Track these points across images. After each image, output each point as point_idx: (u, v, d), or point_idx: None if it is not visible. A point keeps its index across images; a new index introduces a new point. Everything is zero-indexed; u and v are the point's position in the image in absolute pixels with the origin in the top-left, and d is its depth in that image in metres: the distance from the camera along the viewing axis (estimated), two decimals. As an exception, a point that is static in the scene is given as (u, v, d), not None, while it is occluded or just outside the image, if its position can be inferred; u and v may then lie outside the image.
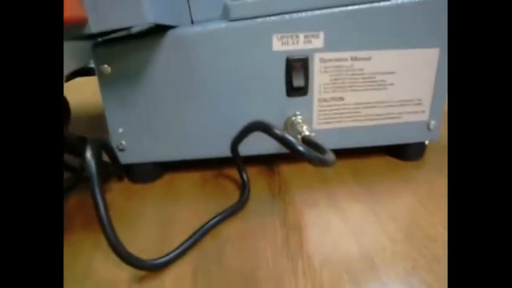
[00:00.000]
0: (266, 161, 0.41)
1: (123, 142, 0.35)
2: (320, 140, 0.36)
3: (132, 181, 0.38)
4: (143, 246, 0.28)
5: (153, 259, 0.25)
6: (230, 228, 0.30)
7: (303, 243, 0.28)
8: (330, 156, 0.25)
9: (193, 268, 0.26)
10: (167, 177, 0.39)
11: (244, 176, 0.35)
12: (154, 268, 0.25)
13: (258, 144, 0.35)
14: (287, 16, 0.32)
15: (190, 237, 0.28)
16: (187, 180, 0.38)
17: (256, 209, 0.33)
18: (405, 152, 0.39)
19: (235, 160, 0.34)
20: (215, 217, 0.30)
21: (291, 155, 0.29)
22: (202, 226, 0.29)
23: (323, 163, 0.24)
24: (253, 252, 0.27)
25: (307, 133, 0.32)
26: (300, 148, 0.22)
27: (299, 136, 0.33)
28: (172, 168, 0.40)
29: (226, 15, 0.32)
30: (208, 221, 0.29)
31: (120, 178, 0.39)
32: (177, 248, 0.27)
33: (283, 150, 0.25)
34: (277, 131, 0.23)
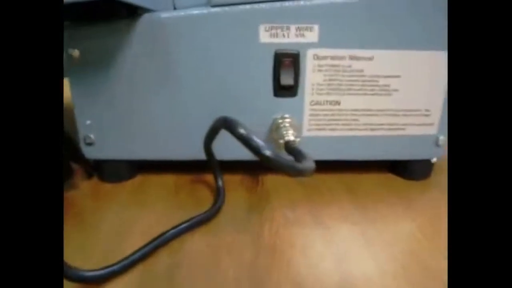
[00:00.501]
0: (251, 168, 0.36)
1: (91, 136, 0.32)
2: (308, 149, 0.32)
3: (101, 179, 0.35)
4: (94, 253, 0.25)
5: (91, 270, 0.21)
6: (193, 241, 0.26)
7: (274, 267, 0.23)
8: (307, 165, 0.21)
9: (137, 286, 0.22)
10: (139, 178, 0.35)
11: (219, 182, 0.30)
12: (88, 280, 0.21)
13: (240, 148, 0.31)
14: (277, 4, 0.28)
15: (142, 248, 0.24)
16: (160, 183, 0.34)
17: (227, 221, 0.28)
18: (409, 170, 0.35)
19: (210, 164, 0.30)
20: (177, 226, 0.26)
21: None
22: (159, 236, 0.25)
23: (294, 171, 0.19)
24: (212, 273, 0.23)
25: (291, 138, 0.28)
26: (267, 152, 0.18)
27: (281, 141, 0.28)
28: (146, 168, 0.36)
29: (209, 0, 0.29)
30: (166, 232, 0.25)
31: (90, 176, 0.36)
32: (123, 260, 0.23)
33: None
34: (241, 130, 0.19)
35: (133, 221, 0.28)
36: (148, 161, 0.33)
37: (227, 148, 0.28)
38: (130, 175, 0.35)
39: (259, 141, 0.18)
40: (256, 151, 0.18)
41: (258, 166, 0.35)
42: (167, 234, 0.26)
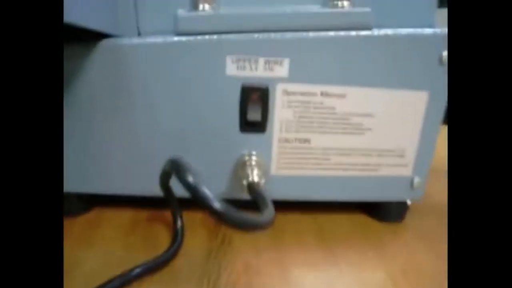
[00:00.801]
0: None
1: (41, 167, 0.29)
2: (277, 189, 0.30)
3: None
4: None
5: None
6: (141, 293, 0.23)
7: (227, 326, 0.21)
8: (264, 218, 0.19)
9: None
10: (93, 214, 0.32)
11: (178, 222, 0.28)
12: None
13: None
14: (245, 36, 0.26)
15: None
16: (115, 220, 0.31)
17: (182, 268, 0.26)
18: (382, 212, 0.33)
19: (168, 202, 0.28)
20: (125, 274, 0.23)
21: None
22: (103, 285, 0.22)
23: (248, 227, 0.17)
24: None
25: (255, 179, 0.26)
26: (216, 205, 0.16)
27: (244, 182, 0.26)
28: (102, 202, 0.33)
29: (175, 27, 0.27)
30: (112, 279, 0.23)
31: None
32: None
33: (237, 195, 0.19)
34: (189, 178, 0.17)
35: (76, 263, 0.26)
36: (102, 195, 0.31)
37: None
38: (81, 210, 0.32)
39: (208, 192, 0.16)
40: (204, 204, 0.16)
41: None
42: (113, 283, 0.23)
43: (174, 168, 0.18)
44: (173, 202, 0.28)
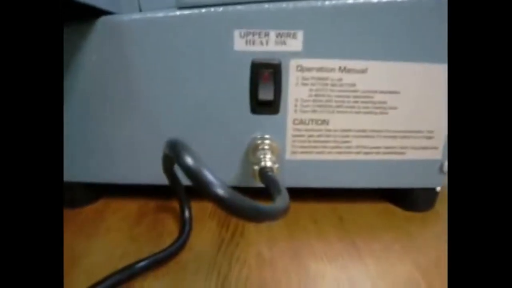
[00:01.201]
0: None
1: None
2: (292, 175, 0.27)
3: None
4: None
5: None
6: (147, 287, 0.21)
7: (237, 325, 0.19)
8: (277, 206, 0.16)
9: None
10: (100, 204, 0.31)
11: (186, 212, 0.26)
12: None
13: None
14: (254, 6, 0.24)
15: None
16: (121, 210, 0.30)
17: (191, 261, 0.24)
18: (410, 200, 0.30)
19: (175, 191, 0.26)
20: (129, 266, 0.22)
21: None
22: (104, 279, 0.20)
23: (258, 217, 0.15)
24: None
25: (268, 164, 0.23)
26: (219, 191, 0.14)
27: (256, 168, 0.24)
28: (110, 192, 0.32)
29: (177, 0, 0.25)
30: (114, 273, 0.21)
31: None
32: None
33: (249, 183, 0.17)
34: (187, 160, 0.14)
35: (80, 255, 0.24)
36: (109, 185, 0.29)
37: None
38: (88, 201, 0.30)
39: (211, 177, 0.14)
40: (205, 190, 0.14)
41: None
42: (115, 277, 0.21)
43: (172, 150, 0.15)
44: (179, 190, 0.26)
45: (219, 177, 0.14)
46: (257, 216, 0.15)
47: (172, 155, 0.15)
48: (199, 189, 0.14)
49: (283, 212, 0.16)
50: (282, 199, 0.17)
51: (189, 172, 0.14)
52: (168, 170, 0.23)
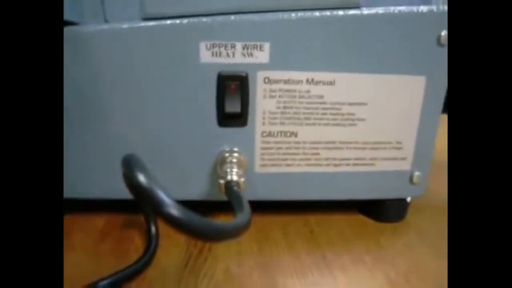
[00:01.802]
0: (194, 206, 0.31)
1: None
2: (261, 188, 0.27)
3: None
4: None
5: None
6: (106, 309, 0.21)
7: None
8: (236, 223, 0.16)
9: None
10: (66, 220, 0.30)
11: (153, 229, 0.25)
12: None
13: (179, 184, 0.26)
14: (220, 18, 0.24)
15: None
16: (86, 226, 0.29)
17: (156, 279, 0.23)
18: (381, 211, 0.30)
19: (140, 206, 0.25)
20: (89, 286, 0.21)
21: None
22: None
23: (212, 236, 0.14)
24: None
25: (234, 177, 0.23)
26: (171, 210, 0.13)
27: (221, 181, 0.23)
28: (76, 207, 0.30)
29: (141, 11, 0.24)
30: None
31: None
32: None
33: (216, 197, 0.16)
34: (139, 178, 0.14)
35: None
36: (76, 200, 0.28)
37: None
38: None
39: (163, 196, 0.13)
40: (157, 210, 0.13)
41: (206, 205, 0.30)
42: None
43: (125, 168, 0.15)
44: (145, 206, 0.25)
45: (172, 197, 0.14)
46: (215, 236, 0.15)
47: (126, 172, 0.15)
48: (151, 209, 0.14)
49: (243, 229, 0.16)
50: (243, 216, 0.17)
51: (140, 190, 0.14)
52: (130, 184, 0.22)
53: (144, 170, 0.14)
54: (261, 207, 0.19)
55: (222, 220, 0.26)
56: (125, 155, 0.16)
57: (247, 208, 0.18)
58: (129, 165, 0.15)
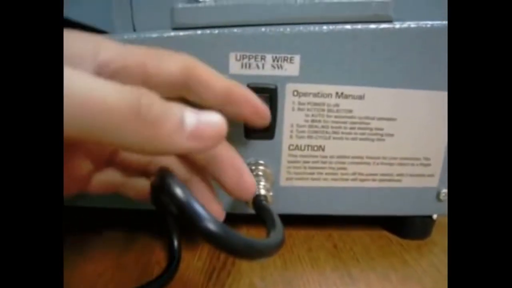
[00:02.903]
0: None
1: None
2: (286, 202, 0.26)
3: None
4: None
5: None
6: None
7: None
8: (273, 241, 0.16)
9: None
10: (86, 229, 0.29)
11: (175, 242, 0.25)
12: None
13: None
14: (250, 29, 0.23)
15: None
16: (107, 237, 0.28)
17: (179, 294, 0.23)
18: (406, 228, 0.29)
19: (162, 216, 0.25)
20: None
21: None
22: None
23: (252, 254, 0.14)
24: None
25: (262, 192, 0.22)
26: (210, 226, 0.13)
27: (249, 196, 0.23)
28: (96, 217, 0.30)
29: (172, 21, 0.24)
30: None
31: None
32: None
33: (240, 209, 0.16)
34: (176, 191, 0.13)
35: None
36: (96, 209, 0.28)
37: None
38: (73, 225, 0.29)
39: (202, 210, 0.13)
40: (195, 224, 0.13)
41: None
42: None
43: (160, 180, 0.15)
44: (168, 219, 0.24)
45: (209, 211, 0.13)
46: (251, 254, 0.14)
47: (160, 185, 0.15)
48: (188, 223, 0.13)
49: (278, 248, 0.16)
50: (277, 234, 0.17)
51: (177, 204, 0.13)
52: (157, 200, 0.21)
53: (180, 184, 0.14)
54: (283, 220, 0.18)
55: (251, 235, 0.26)
56: (159, 168, 0.16)
57: (279, 224, 0.18)
58: (165, 178, 0.14)
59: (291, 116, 0.25)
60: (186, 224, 0.13)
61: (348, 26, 0.24)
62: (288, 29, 0.23)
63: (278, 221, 0.18)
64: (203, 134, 0.14)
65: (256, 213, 0.21)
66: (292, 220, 0.29)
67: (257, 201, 0.21)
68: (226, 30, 0.23)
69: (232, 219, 0.26)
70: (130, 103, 0.12)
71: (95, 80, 0.11)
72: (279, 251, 0.16)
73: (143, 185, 0.19)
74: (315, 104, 0.25)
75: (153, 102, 0.12)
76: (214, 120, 0.14)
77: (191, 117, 0.13)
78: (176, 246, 0.24)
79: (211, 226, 0.13)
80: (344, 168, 0.26)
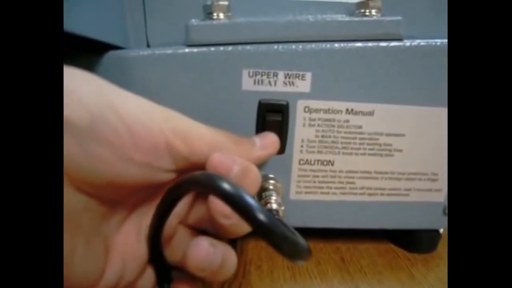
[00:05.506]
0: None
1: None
2: (296, 215, 0.27)
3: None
4: None
5: None
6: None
7: None
8: (301, 244, 0.16)
9: None
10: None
11: None
12: None
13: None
14: (263, 46, 0.24)
15: None
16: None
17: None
18: (413, 241, 0.30)
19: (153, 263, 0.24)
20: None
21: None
22: None
23: (294, 251, 0.14)
24: None
25: (274, 207, 0.23)
26: (261, 217, 0.13)
27: (262, 210, 0.23)
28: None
29: (186, 38, 0.24)
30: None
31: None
32: None
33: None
34: (226, 186, 0.14)
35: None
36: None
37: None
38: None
39: (251, 201, 0.14)
40: (248, 215, 0.13)
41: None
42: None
43: (206, 179, 0.15)
44: (159, 264, 0.20)
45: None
46: (299, 250, 0.15)
47: (206, 183, 0.15)
48: (240, 213, 0.14)
49: (305, 252, 0.16)
50: (302, 240, 0.17)
51: (230, 196, 0.14)
52: (154, 237, 0.19)
53: (227, 179, 0.15)
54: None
55: (260, 247, 0.26)
56: (200, 172, 0.17)
57: (298, 234, 0.18)
58: (210, 176, 0.15)
59: (302, 131, 0.25)
60: (241, 215, 0.14)
61: (359, 44, 0.24)
62: (300, 46, 0.24)
63: (298, 235, 0.19)
64: (266, 145, 0.22)
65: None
66: (300, 233, 0.29)
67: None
68: (239, 47, 0.24)
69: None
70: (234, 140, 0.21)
71: None
72: (307, 257, 0.16)
73: None
74: (326, 120, 0.25)
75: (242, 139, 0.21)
76: (269, 136, 0.23)
77: (257, 139, 0.22)
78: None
79: (263, 217, 0.13)
80: (353, 183, 0.27)
